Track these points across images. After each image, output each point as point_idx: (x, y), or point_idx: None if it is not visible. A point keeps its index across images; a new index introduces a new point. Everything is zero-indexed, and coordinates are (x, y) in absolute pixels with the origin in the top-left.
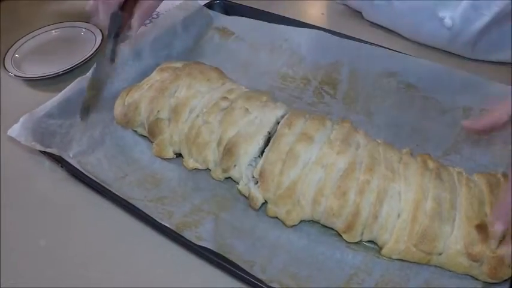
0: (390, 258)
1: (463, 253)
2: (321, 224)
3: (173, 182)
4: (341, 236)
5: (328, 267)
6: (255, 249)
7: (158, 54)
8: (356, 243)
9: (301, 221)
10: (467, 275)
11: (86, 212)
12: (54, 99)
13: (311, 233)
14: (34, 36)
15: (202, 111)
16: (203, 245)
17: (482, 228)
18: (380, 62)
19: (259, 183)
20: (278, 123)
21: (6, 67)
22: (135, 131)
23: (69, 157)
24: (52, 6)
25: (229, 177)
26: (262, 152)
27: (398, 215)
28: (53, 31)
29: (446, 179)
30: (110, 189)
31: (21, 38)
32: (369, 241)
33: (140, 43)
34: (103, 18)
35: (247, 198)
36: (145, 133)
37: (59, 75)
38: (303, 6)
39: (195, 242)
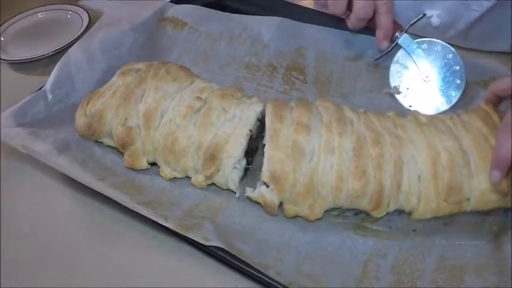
0: (423, 219)
1: (490, 191)
2: (325, 214)
3: (155, 190)
4: (347, 222)
5: (340, 258)
6: (263, 251)
7: (109, 55)
8: (363, 228)
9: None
10: (496, 209)
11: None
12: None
13: (315, 224)
14: (20, 19)
15: (175, 115)
16: (213, 245)
17: None
18: (344, 45)
19: (271, 186)
20: (258, 119)
21: None
22: (101, 142)
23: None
24: None
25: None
26: (246, 153)
27: (419, 177)
28: (39, 14)
29: (444, 129)
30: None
31: (7, 21)
32: (377, 225)
33: (89, 46)
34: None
35: (260, 205)
36: (112, 144)
37: (45, 58)
38: None
39: (203, 243)
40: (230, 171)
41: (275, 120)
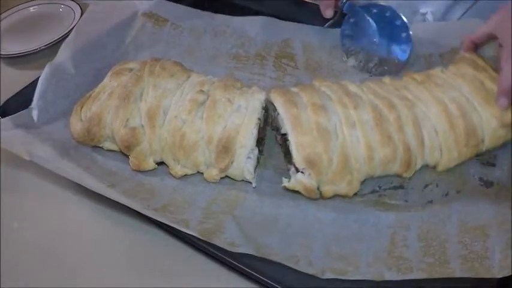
0: (448, 168)
1: (499, 127)
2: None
3: (168, 190)
4: (365, 200)
5: (366, 234)
6: (289, 239)
7: (93, 58)
8: (382, 204)
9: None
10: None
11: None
12: None
13: (334, 205)
14: (12, 14)
15: (179, 110)
16: (241, 251)
17: None
18: (329, 36)
19: (308, 171)
20: (262, 107)
21: None
22: (100, 147)
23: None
24: None
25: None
26: (257, 142)
27: (435, 131)
28: (31, 8)
29: (441, 82)
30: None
31: None
32: (394, 199)
33: (73, 50)
34: None
35: (299, 192)
36: (113, 147)
37: (37, 52)
38: None
39: (231, 250)
40: (244, 161)
41: (290, 106)
